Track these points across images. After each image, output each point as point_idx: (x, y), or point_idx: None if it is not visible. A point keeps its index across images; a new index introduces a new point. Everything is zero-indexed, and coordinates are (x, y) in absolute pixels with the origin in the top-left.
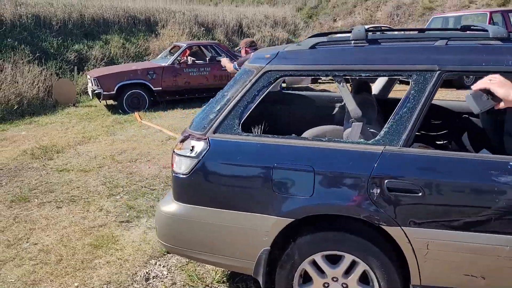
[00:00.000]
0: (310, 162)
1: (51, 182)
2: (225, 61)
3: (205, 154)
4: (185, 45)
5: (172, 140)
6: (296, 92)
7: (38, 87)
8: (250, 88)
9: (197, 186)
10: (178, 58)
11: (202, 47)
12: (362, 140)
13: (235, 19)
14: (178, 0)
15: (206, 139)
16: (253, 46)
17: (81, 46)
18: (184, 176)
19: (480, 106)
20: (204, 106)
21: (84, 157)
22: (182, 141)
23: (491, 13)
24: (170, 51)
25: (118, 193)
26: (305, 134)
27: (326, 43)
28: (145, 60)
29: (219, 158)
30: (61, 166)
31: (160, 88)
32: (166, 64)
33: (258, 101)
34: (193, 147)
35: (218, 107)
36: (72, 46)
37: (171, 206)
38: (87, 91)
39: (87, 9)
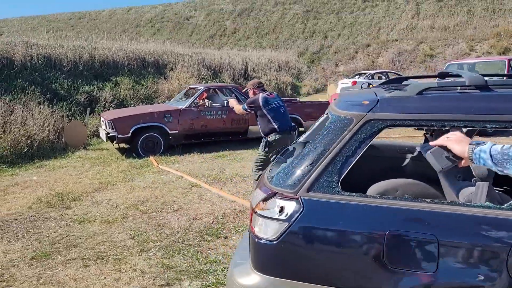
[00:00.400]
0: (431, 230)
1: (73, 235)
2: (233, 102)
3: (298, 216)
4: (202, 87)
5: (196, 187)
6: None
7: (49, 129)
8: (350, 139)
9: (287, 256)
10: (195, 101)
11: (219, 90)
12: (496, 205)
13: (241, 62)
14: (185, 43)
15: (298, 198)
16: (260, 87)
17: (91, 88)
18: (271, 242)
19: (441, 164)
20: (275, 158)
21: (105, 205)
22: (265, 199)
23: (509, 60)
24: (185, 93)
25: (150, 249)
26: (371, 190)
27: (436, 88)
28: (154, 102)
29: (316, 222)
30: (81, 216)
31: (177, 132)
32: (183, 107)
33: (359, 155)
34: (282, 208)
35: (310, 161)
36: (82, 87)
37: (252, 279)
38: (98, 134)
39: (97, 51)
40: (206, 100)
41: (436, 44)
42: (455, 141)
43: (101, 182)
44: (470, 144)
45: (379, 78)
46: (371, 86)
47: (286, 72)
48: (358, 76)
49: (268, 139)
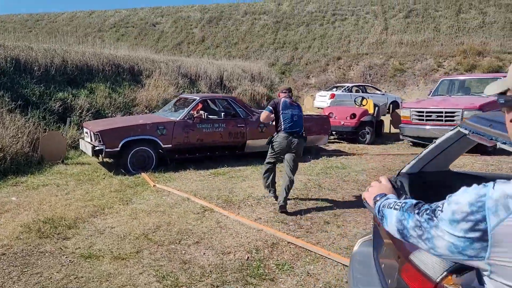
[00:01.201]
0: None
1: (82, 277)
2: (262, 116)
3: None
4: (197, 98)
5: (209, 212)
6: (468, 172)
7: (22, 140)
8: None
9: None
10: (190, 112)
11: (216, 101)
12: None
13: (216, 71)
14: (159, 49)
15: None
16: (285, 92)
17: (65, 95)
18: None
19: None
20: None
21: (109, 235)
22: (458, 272)
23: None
24: (175, 104)
25: None
26: None
27: None
28: (133, 111)
29: None
30: (85, 249)
31: (170, 145)
32: (178, 119)
33: None
34: None
35: None
36: (56, 94)
37: None
38: (76, 146)
39: (69, 54)
40: (202, 112)
41: (406, 59)
42: (368, 191)
43: (95, 204)
44: (382, 195)
45: (357, 91)
46: (365, 100)
47: (260, 82)
48: (335, 88)
49: (274, 135)
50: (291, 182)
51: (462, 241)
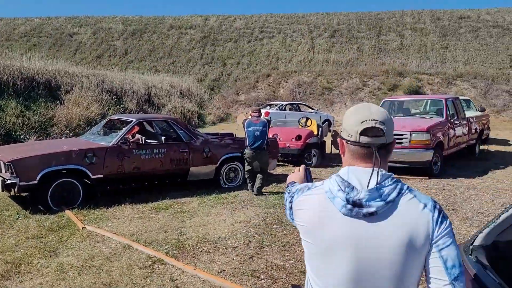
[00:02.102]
0: None
1: None
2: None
3: None
4: (133, 119)
5: (159, 264)
6: None
7: None
8: None
9: None
10: (125, 136)
11: (154, 123)
12: None
13: (143, 87)
14: (77, 61)
15: None
16: (255, 112)
17: None
18: None
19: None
20: None
21: None
22: None
23: (446, 100)
24: (105, 126)
25: None
26: None
27: None
28: (50, 132)
29: None
30: None
31: (101, 176)
32: (111, 144)
33: None
34: None
35: None
36: None
37: None
38: None
39: None
40: (139, 136)
41: (333, 78)
42: (292, 174)
43: (7, 260)
44: (292, 182)
45: (290, 109)
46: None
47: (190, 99)
48: (269, 106)
49: (244, 150)
50: (263, 177)
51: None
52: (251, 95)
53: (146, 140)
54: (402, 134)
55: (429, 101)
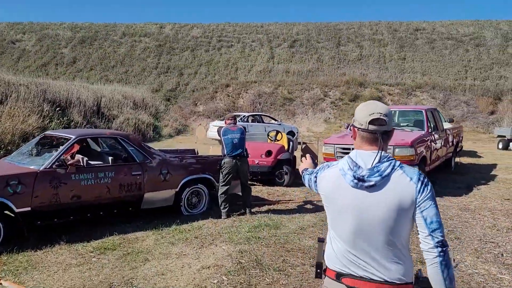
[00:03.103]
0: None
1: None
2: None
3: None
4: (73, 136)
5: None
6: None
7: None
8: None
9: None
10: (62, 157)
11: (100, 140)
12: None
13: (92, 97)
14: (19, 70)
15: None
16: (231, 119)
17: None
18: None
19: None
20: None
21: None
22: None
23: (426, 110)
24: (38, 144)
25: None
26: None
27: None
28: None
29: None
30: None
31: (29, 208)
32: (42, 168)
33: None
34: None
35: None
36: None
37: None
38: None
39: None
40: (79, 156)
41: (294, 88)
42: (302, 164)
43: None
44: (305, 169)
45: (253, 121)
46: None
47: (144, 110)
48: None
49: (220, 162)
50: (250, 189)
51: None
52: (210, 106)
53: (89, 162)
54: None
55: (408, 112)
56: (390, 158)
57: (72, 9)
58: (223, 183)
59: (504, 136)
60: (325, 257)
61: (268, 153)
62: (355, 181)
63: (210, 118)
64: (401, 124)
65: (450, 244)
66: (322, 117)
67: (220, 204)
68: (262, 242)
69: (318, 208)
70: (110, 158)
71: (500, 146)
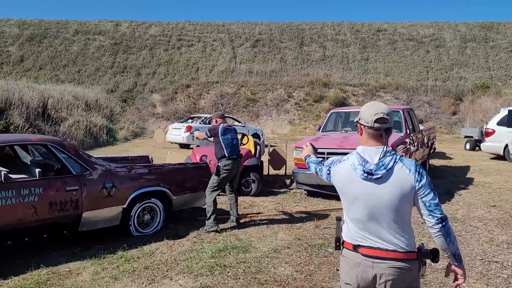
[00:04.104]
0: None
1: None
2: (197, 134)
3: None
4: None
5: None
6: None
7: None
8: None
9: None
10: None
11: (26, 148)
12: None
13: (37, 98)
14: None
15: None
16: (222, 118)
17: None
18: None
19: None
20: None
21: None
22: None
23: (403, 110)
24: None
25: None
26: None
27: None
28: None
29: None
30: None
31: None
32: None
33: None
34: None
35: None
36: None
37: None
38: None
39: None
40: None
41: (257, 89)
42: (303, 150)
43: None
44: (307, 155)
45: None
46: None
47: (97, 112)
48: (191, 120)
49: (220, 164)
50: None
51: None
52: (170, 107)
53: (9, 175)
54: None
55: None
56: (392, 153)
57: (20, 4)
58: (214, 189)
59: (472, 137)
60: (343, 233)
61: None
62: (365, 174)
63: (169, 120)
64: None
65: None
66: (287, 118)
67: (207, 215)
68: (228, 272)
69: (292, 221)
70: (37, 170)
71: (468, 146)
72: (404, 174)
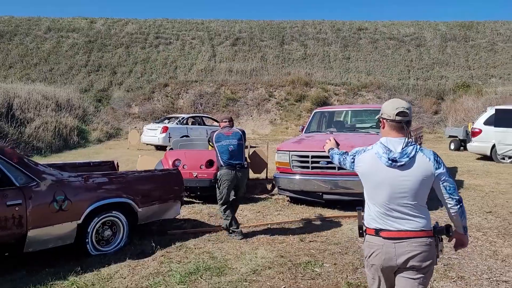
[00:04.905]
0: None
1: None
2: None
3: None
4: None
5: None
6: None
7: None
8: None
9: None
10: None
11: None
12: None
13: (1, 97)
14: None
15: None
16: (225, 121)
17: None
18: None
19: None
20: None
21: None
22: None
23: None
24: None
25: None
26: None
27: None
28: None
29: None
30: None
31: None
32: None
33: None
34: None
35: None
36: None
37: None
38: None
39: None
40: None
41: (237, 88)
42: (327, 144)
43: None
44: (331, 148)
45: (193, 123)
46: None
47: (69, 112)
48: (167, 120)
49: (218, 174)
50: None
51: None
52: (146, 107)
53: None
54: None
55: (368, 112)
56: (413, 143)
57: None
58: (222, 200)
59: (456, 137)
60: (364, 220)
61: (209, 163)
62: (390, 161)
63: (146, 121)
64: (358, 126)
65: (454, 285)
66: (268, 118)
67: (227, 227)
68: None
69: (274, 233)
70: None
71: (452, 146)
72: (425, 162)
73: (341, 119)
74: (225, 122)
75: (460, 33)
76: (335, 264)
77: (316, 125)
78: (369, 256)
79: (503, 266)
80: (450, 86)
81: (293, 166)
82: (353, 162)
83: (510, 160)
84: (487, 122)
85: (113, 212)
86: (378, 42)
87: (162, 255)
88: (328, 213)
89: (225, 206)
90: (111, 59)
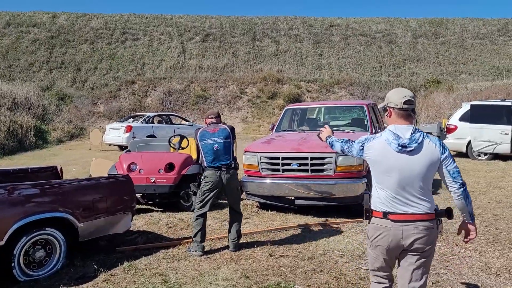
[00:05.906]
0: None
1: None
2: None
3: None
4: None
5: None
6: None
7: None
8: None
9: None
10: None
11: None
12: None
13: None
14: None
15: None
16: (211, 118)
17: None
18: None
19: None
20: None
21: None
22: None
23: (367, 106)
24: None
25: None
26: None
27: None
28: None
29: None
30: None
31: None
32: None
33: None
34: None
35: None
36: None
37: None
38: None
39: None
40: None
41: (208, 85)
42: (322, 132)
43: None
44: (328, 136)
45: (160, 122)
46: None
47: (26, 111)
48: (132, 119)
49: (202, 174)
50: (240, 216)
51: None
52: (112, 105)
53: None
54: (324, 158)
55: (346, 108)
56: (419, 130)
57: None
58: (200, 204)
59: (430, 133)
60: (372, 204)
61: (169, 167)
62: (399, 147)
63: (112, 120)
64: (332, 123)
65: None
66: (239, 116)
67: (193, 233)
68: None
69: (240, 246)
70: None
71: None
72: (432, 147)
73: (314, 116)
74: (211, 118)
75: (430, 30)
76: (308, 286)
77: (287, 123)
78: (375, 238)
79: (498, 283)
80: (422, 82)
81: (262, 169)
82: (362, 149)
83: (486, 157)
84: (462, 118)
85: (47, 229)
86: (350, 39)
87: (105, 280)
88: (301, 220)
89: (200, 212)
90: (74, 55)
